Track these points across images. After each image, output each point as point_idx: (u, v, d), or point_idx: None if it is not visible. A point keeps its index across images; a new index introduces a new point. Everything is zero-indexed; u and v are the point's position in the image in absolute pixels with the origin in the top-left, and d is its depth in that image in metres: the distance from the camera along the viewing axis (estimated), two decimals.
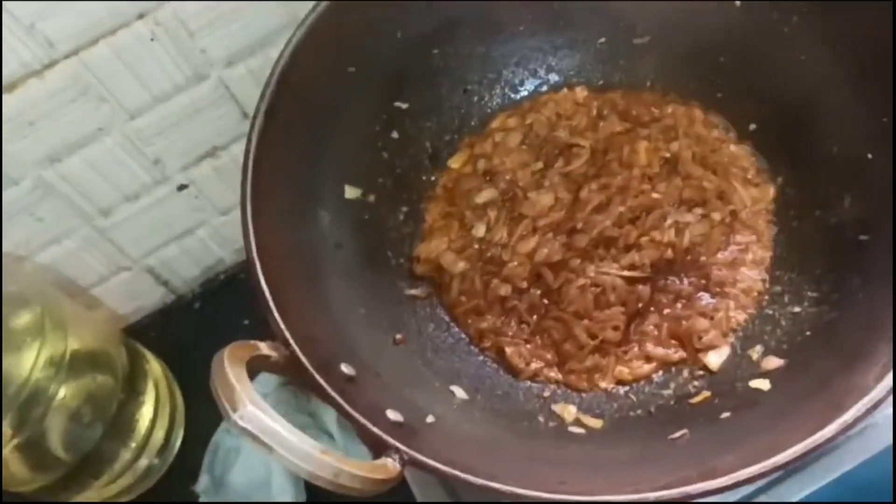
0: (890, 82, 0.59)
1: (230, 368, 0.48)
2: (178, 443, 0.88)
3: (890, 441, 0.64)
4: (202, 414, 0.87)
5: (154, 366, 0.88)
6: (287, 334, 0.54)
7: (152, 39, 0.70)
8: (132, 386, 0.82)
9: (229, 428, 0.83)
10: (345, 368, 0.56)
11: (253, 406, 0.46)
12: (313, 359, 0.54)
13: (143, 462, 0.84)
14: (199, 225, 0.91)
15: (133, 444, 0.82)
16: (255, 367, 0.52)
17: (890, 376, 0.49)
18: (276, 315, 0.55)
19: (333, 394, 0.53)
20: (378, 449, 0.51)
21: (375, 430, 0.51)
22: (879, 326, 0.53)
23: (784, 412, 0.54)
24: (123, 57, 0.70)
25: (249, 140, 0.61)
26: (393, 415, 0.55)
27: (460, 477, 0.50)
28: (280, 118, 0.63)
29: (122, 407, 0.80)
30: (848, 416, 0.48)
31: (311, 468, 0.46)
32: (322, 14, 0.65)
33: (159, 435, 0.85)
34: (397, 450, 0.51)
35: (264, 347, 0.54)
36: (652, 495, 0.48)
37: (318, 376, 0.53)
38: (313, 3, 0.65)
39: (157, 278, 0.95)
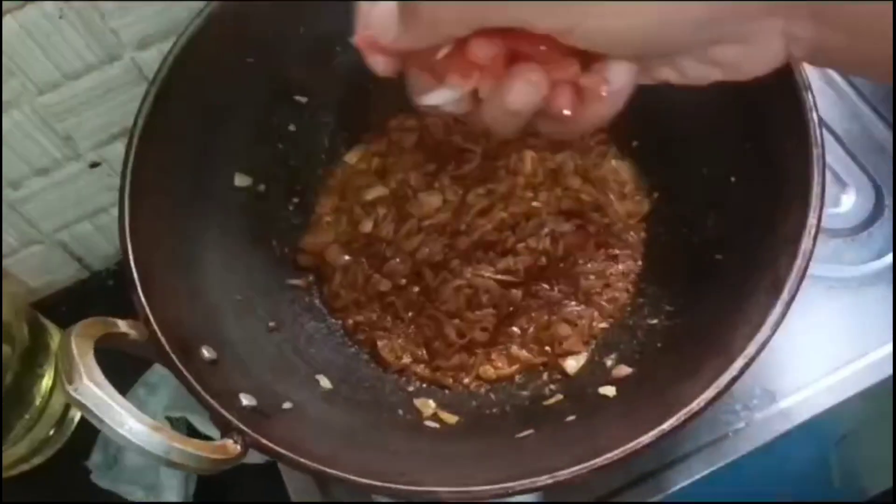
0: (752, 111, 0.62)
1: (76, 342, 0.49)
2: (77, 417, 0.88)
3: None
4: None
5: (57, 341, 0.89)
6: (148, 312, 0.56)
7: (61, 17, 0.71)
8: (31, 360, 0.83)
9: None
10: (206, 352, 0.58)
11: (89, 380, 0.47)
12: (173, 340, 0.55)
13: (39, 433, 0.85)
14: (113, 203, 0.91)
15: (27, 416, 0.83)
16: (110, 344, 0.54)
17: (711, 389, 0.51)
18: (140, 293, 0.56)
19: (186, 374, 0.54)
20: (224, 430, 0.53)
21: (223, 411, 0.53)
22: (714, 343, 0.55)
23: (620, 417, 0.57)
24: (32, 32, 0.70)
25: (136, 122, 0.62)
26: (247, 399, 0.56)
27: (298, 461, 0.51)
28: (171, 103, 0.64)
29: (18, 379, 0.81)
30: (666, 424, 0.50)
31: (140, 443, 0.47)
32: (223, 5, 0.66)
33: (56, 408, 0.86)
34: (240, 431, 0.52)
35: (123, 325, 0.55)
36: (475, 489, 0.50)
37: (174, 357, 0.55)
38: None
39: (71, 254, 0.95)
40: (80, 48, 0.74)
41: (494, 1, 0.33)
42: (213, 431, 0.78)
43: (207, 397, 0.53)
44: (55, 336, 0.89)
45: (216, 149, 0.69)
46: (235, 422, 0.52)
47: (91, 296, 0.97)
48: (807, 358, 0.69)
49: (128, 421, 0.47)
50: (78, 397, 0.46)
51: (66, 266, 0.96)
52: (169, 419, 0.82)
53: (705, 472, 0.67)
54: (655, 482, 0.68)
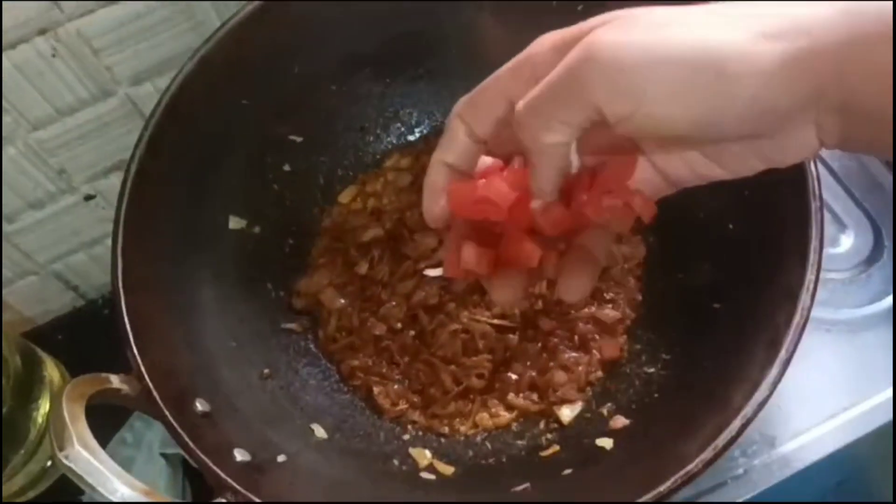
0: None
1: (66, 404, 0.49)
2: None
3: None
4: (100, 420, 0.87)
5: (52, 372, 0.88)
6: (142, 368, 0.55)
7: (54, 55, 0.71)
8: (25, 391, 0.82)
9: (124, 435, 0.85)
10: (199, 405, 0.57)
11: (80, 445, 0.47)
12: (167, 394, 0.55)
13: (35, 466, 0.84)
14: (108, 235, 0.91)
15: (22, 450, 0.83)
16: (103, 400, 0.54)
17: (709, 450, 0.51)
18: (135, 348, 0.56)
19: (180, 431, 0.54)
20: (218, 488, 0.53)
21: (216, 469, 0.53)
22: (712, 397, 0.55)
23: (617, 472, 0.56)
24: (24, 71, 0.70)
25: (129, 168, 0.62)
26: (241, 454, 0.56)
27: None
28: (165, 146, 0.63)
29: (12, 412, 0.81)
30: (663, 487, 0.50)
31: None
32: (216, 45, 0.66)
33: None
34: (234, 491, 0.52)
35: (115, 380, 0.55)
36: None
37: (167, 412, 0.54)
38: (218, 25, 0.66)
39: (67, 284, 0.95)
40: (73, 85, 0.73)
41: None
42: None
43: (201, 454, 0.53)
44: (49, 366, 0.88)
45: (210, 191, 0.69)
46: (229, 481, 0.52)
47: (86, 324, 0.97)
48: (806, 402, 0.69)
49: (119, 488, 0.47)
50: (69, 464, 0.46)
51: (62, 295, 0.96)
52: (164, 455, 0.82)
53: None
54: None
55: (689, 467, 0.50)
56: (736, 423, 0.51)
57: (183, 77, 0.65)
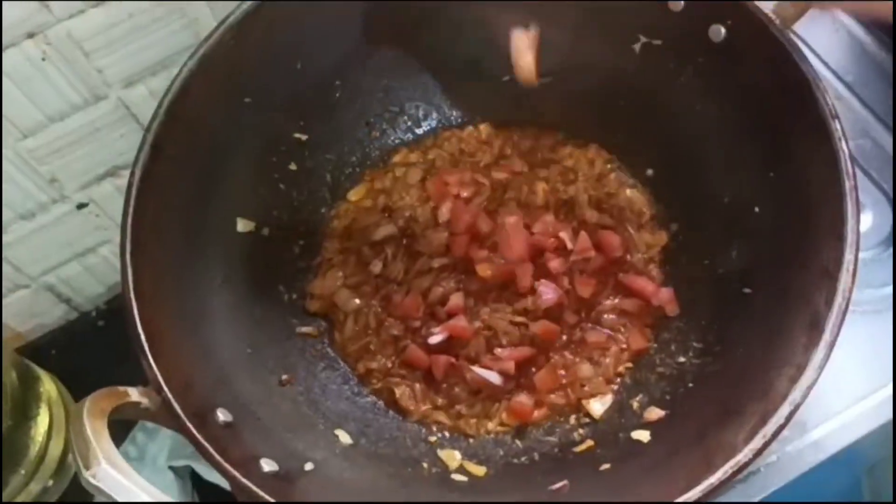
0: (776, 139, 0.60)
1: (88, 421, 0.46)
2: None
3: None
4: None
5: (49, 387, 0.85)
6: (161, 380, 0.53)
7: (44, 59, 0.68)
8: (23, 409, 0.79)
9: (128, 448, 0.82)
10: (221, 415, 0.55)
11: (107, 463, 0.44)
12: (187, 406, 0.53)
13: (35, 486, 0.81)
14: (102, 243, 0.89)
15: (23, 470, 0.80)
16: (123, 415, 0.51)
17: (758, 438, 0.49)
18: (151, 361, 0.53)
19: (205, 444, 0.51)
20: (248, 501, 0.50)
21: (245, 482, 0.50)
22: (753, 382, 0.54)
23: (659, 466, 0.55)
24: (13, 76, 0.68)
25: (132, 173, 0.59)
26: (268, 464, 0.54)
27: None
28: (168, 149, 0.61)
29: (11, 431, 0.78)
30: (714, 478, 0.48)
31: None
32: (216, 43, 0.64)
33: (53, 457, 0.82)
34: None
35: (134, 394, 0.52)
36: None
37: (190, 425, 0.52)
38: (215, 24, 0.64)
39: (59, 296, 0.92)
40: (64, 89, 0.71)
41: None
42: (218, 479, 0.75)
43: (229, 468, 0.51)
44: (46, 382, 0.85)
45: (216, 194, 0.66)
46: (262, 494, 0.50)
47: (81, 337, 0.94)
48: (834, 385, 0.67)
49: None
50: (97, 483, 0.44)
51: (55, 308, 0.93)
52: (172, 469, 0.79)
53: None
54: None
55: (739, 457, 0.49)
56: (784, 409, 0.50)
57: (183, 77, 0.63)
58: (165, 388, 0.52)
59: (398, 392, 0.66)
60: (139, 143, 0.61)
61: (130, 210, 0.58)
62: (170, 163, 0.61)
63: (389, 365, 0.68)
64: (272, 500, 0.50)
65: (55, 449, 0.82)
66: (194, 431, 0.52)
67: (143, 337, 0.54)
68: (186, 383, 0.54)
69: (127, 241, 0.57)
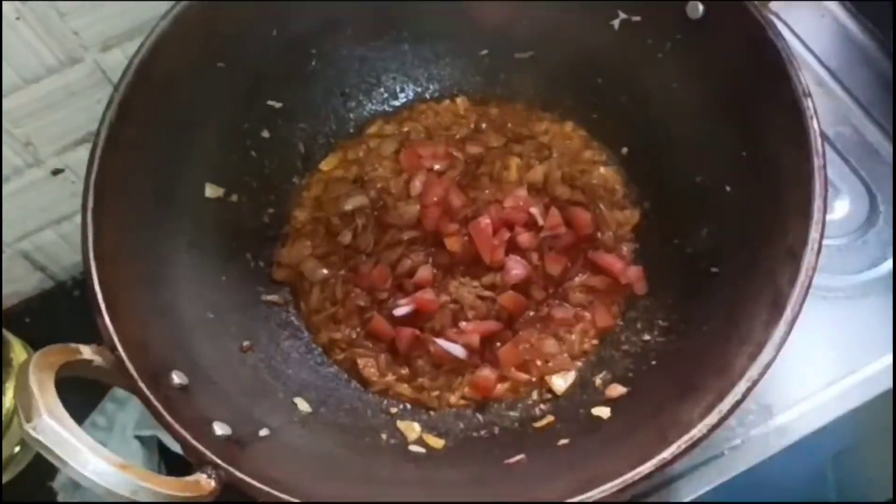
0: (750, 118, 0.59)
1: (34, 375, 0.46)
2: None
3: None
4: (72, 404, 0.84)
5: (20, 354, 0.85)
6: (115, 338, 0.52)
7: (17, 18, 0.67)
8: None
9: (95, 419, 0.82)
10: (176, 377, 0.54)
11: (49, 416, 0.44)
12: (141, 366, 0.52)
13: (4, 452, 0.81)
14: (77, 211, 0.88)
15: None
16: (73, 372, 0.50)
17: (714, 414, 0.49)
18: (106, 317, 0.53)
19: (156, 403, 0.51)
20: (198, 463, 0.50)
21: (194, 442, 0.50)
22: (713, 360, 0.53)
23: (615, 440, 0.55)
24: None
25: (98, 132, 0.59)
26: (221, 428, 0.53)
27: (280, 498, 0.48)
28: (136, 113, 0.60)
29: None
30: (668, 452, 0.48)
31: (106, 484, 0.44)
32: (190, 6, 0.63)
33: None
34: (215, 465, 0.49)
35: (87, 351, 0.52)
36: None
37: (142, 385, 0.51)
38: None
39: (34, 263, 0.91)
40: (39, 50, 0.70)
41: None
42: None
43: (178, 427, 0.50)
44: (17, 348, 0.85)
45: (185, 158, 0.66)
46: (209, 454, 0.49)
47: (56, 306, 0.94)
48: (802, 371, 0.67)
49: (91, 460, 0.44)
50: (37, 436, 0.43)
51: (30, 276, 0.92)
52: (139, 438, 0.79)
53: (700, 493, 0.65)
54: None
55: (693, 432, 0.49)
56: (741, 386, 0.49)
57: (155, 38, 0.62)
58: (119, 347, 0.52)
59: (361, 363, 0.66)
60: (107, 102, 0.60)
61: (94, 168, 0.58)
62: (138, 124, 0.61)
63: (354, 336, 0.67)
64: (220, 462, 0.49)
65: None
66: (146, 391, 0.51)
67: (99, 295, 0.54)
68: (142, 344, 0.54)
69: (89, 200, 0.56)
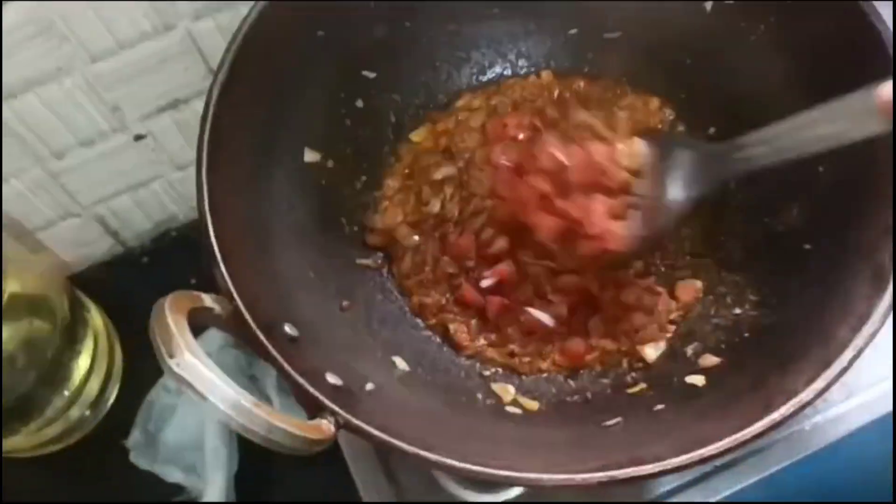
0: (840, 92, 0.60)
1: (171, 315, 0.47)
2: (113, 396, 0.87)
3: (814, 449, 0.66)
4: (141, 369, 0.86)
5: (95, 316, 0.86)
6: (232, 288, 0.54)
7: None
8: (71, 335, 0.81)
9: (166, 382, 0.83)
10: (288, 329, 0.56)
11: (190, 354, 0.45)
12: (256, 316, 0.54)
13: (75, 412, 0.83)
14: (155, 178, 0.90)
15: (66, 393, 0.81)
16: (196, 320, 0.52)
17: (821, 380, 0.50)
18: (223, 268, 0.54)
19: (274, 352, 0.52)
20: (314, 411, 0.51)
21: (313, 391, 0.51)
22: (813, 332, 0.54)
23: (716, 408, 0.55)
24: None
25: (210, 93, 0.60)
26: (332, 378, 0.55)
27: (394, 444, 0.50)
28: (243, 75, 0.62)
29: (58, 355, 0.79)
30: (776, 415, 0.49)
31: (243, 421, 0.45)
32: None
33: (94, 386, 0.84)
34: (333, 412, 0.51)
35: (208, 300, 0.53)
36: (579, 477, 0.48)
37: (260, 334, 0.53)
38: None
39: (107, 228, 0.93)
40: (136, 16, 0.72)
41: None
42: None
43: (296, 376, 0.52)
44: (93, 312, 0.87)
45: (287, 123, 0.67)
46: (328, 402, 0.51)
47: (125, 272, 0.96)
48: (882, 349, 0.67)
49: (231, 397, 0.45)
50: (181, 372, 0.45)
51: (101, 241, 0.94)
52: None
53: (775, 469, 0.66)
54: (718, 481, 0.67)
55: (801, 395, 0.50)
56: (847, 354, 0.50)
57: (261, 6, 0.63)
58: (237, 297, 0.53)
59: (452, 328, 0.67)
60: (216, 67, 0.61)
61: (208, 127, 0.59)
62: (245, 87, 0.62)
63: (444, 302, 0.69)
64: (337, 409, 0.50)
65: (97, 378, 0.84)
66: (263, 339, 0.53)
67: (215, 246, 0.55)
68: (255, 297, 0.55)
69: (203, 159, 0.58)
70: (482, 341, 0.67)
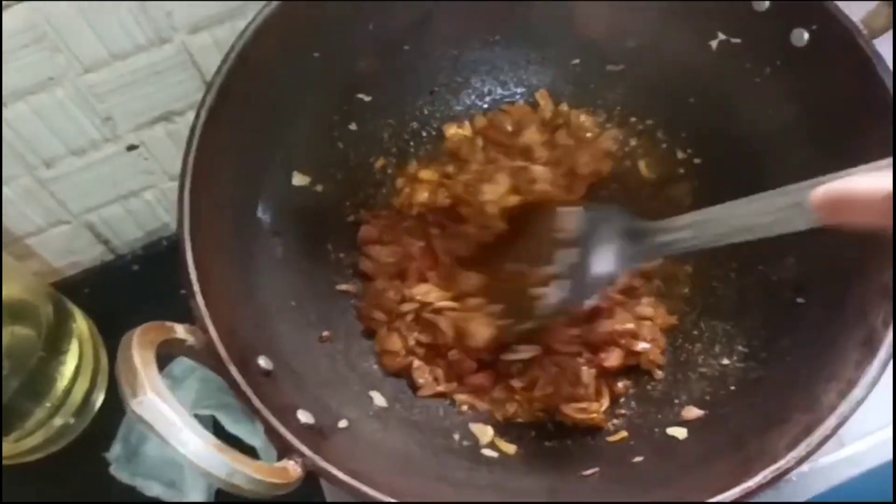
0: (846, 150, 0.59)
1: (137, 350, 0.46)
2: (98, 405, 0.86)
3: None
4: None
5: (81, 325, 0.86)
6: (207, 319, 0.52)
7: None
8: (55, 343, 0.80)
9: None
10: (262, 362, 0.55)
11: (153, 393, 0.44)
12: (231, 348, 0.52)
13: (58, 421, 0.82)
14: (147, 188, 0.89)
15: (48, 403, 0.80)
16: (167, 351, 0.51)
17: (802, 446, 0.49)
18: (199, 298, 0.53)
19: (245, 387, 0.51)
20: (283, 450, 0.50)
21: (282, 430, 0.50)
22: (798, 393, 0.53)
23: (695, 465, 0.54)
24: (83, 9, 0.68)
25: (198, 114, 0.59)
26: (304, 416, 0.53)
27: (361, 490, 0.49)
28: (235, 94, 0.60)
29: (42, 363, 0.78)
30: (753, 482, 0.48)
31: (204, 465, 0.44)
32: None
33: (78, 395, 0.83)
34: (301, 454, 0.49)
35: (181, 330, 0.52)
36: None
37: (232, 367, 0.52)
38: None
39: (98, 236, 0.92)
40: (131, 28, 0.71)
41: None
42: (242, 432, 0.76)
43: (268, 415, 0.50)
44: (79, 320, 0.86)
45: (276, 144, 0.66)
46: (296, 443, 0.49)
47: (115, 280, 0.94)
48: (874, 400, 0.66)
49: (192, 440, 0.44)
50: (141, 413, 0.44)
51: (92, 248, 0.93)
52: (196, 416, 0.79)
53: None
54: None
55: (780, 462, 0.48)
56: (831, 421, 0.49)
57: (258, 23, 0.62)
58: (212, 328, 0.52)
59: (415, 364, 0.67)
60: (207, 84, 0.60)
61: (194, 146, 0.58)
62: (235, 107, 0.61)
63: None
64: (305, 451, 0.49)
65: (81, 387, 0.83)
66: (236, 374, 0.51)
67: (193, 275, 0.54)
68: (231, 327, 0.54)
69: (187, 178, 0.57)
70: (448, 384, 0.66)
